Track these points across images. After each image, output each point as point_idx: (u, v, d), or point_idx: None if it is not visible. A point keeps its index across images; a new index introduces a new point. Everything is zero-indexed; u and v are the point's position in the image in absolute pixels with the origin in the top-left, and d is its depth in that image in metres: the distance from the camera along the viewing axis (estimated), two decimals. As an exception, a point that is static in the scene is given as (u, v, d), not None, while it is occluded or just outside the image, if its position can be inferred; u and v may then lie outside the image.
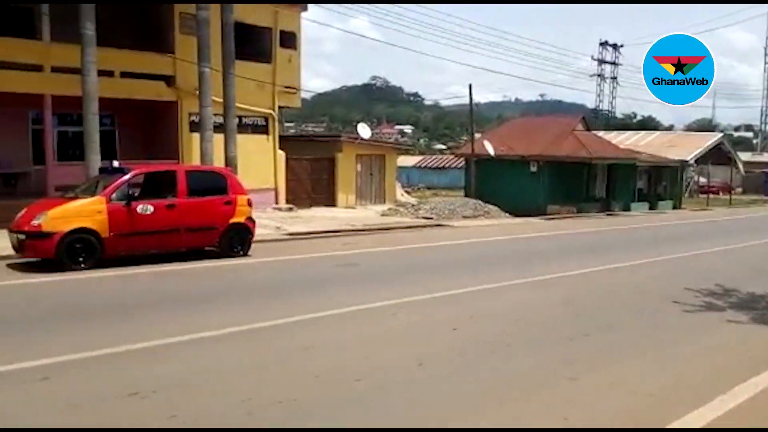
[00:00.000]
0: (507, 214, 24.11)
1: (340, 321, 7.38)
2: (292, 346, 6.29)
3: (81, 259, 10.17)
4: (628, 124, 70.62)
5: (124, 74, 17.38)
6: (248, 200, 12.38)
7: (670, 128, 70.01)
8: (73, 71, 14.71)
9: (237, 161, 16.86)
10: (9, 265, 10.35)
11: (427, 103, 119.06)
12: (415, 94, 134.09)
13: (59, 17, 15.63)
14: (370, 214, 22.01)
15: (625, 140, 39.08)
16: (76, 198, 10.91)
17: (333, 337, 6.70)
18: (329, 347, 6.31)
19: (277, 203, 20.86)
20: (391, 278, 10.50)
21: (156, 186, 11.72)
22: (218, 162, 16.48)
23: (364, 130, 25.36)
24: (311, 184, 23.10)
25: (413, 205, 24.07)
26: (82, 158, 14.73)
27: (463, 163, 33.72)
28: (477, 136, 30.61)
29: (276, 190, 21.10)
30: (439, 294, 8.83)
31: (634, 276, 11.24)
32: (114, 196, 10.66)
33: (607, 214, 27.90)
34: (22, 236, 10.14)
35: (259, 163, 19.85)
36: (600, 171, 29.94)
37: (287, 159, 21.66)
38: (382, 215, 21.83)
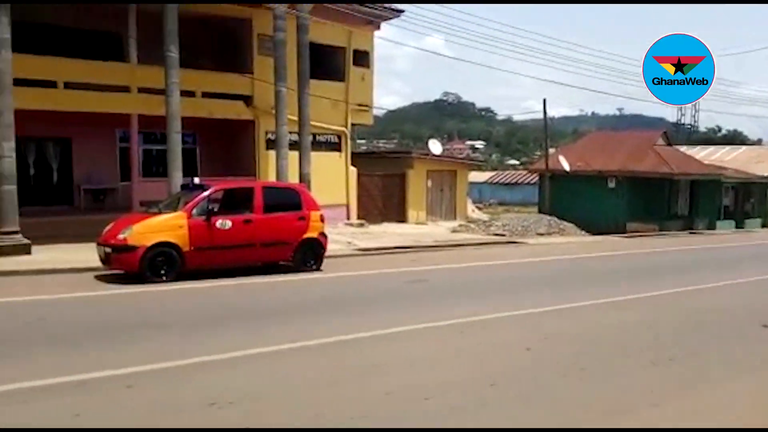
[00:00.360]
0: (583, 232, 23.47)
1: (409, 338, 7.35)
2: (362, 361, 6.31)
3: (163, 271, 10.58)
4: (711, 138, 67.51)
5: (206, 94, 18.11)
6: (321, 216, 12.59)
7: (758, 142, 66.33)
8: (157, 92, 15.46)
9: (310, 178, 17.19)
10: (96, 277, 10.89)
11: (499, 117, 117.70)
12: (487, 109, 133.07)
13: (146, 41, 16.50)
14: (440, 230, 21.91)
15: (709, 155, 37.28)
16: (159, 213, 11.40)
17: (403, 354, 6.67)
18: (399, 364, 6.28)
19: (348, 219, 21.10)
20: (462, 295, 10.39)
21: (234, 202, 12.08)
22: (293, 178, 16.87)
23: (434, 146, 25.36)
24: (382, 200, 23.24)
25: (485, 222, 23.81)
26: (165, 175, 15.41)
27: (537, 178, 33.13)
28: (551, 151, 30.07)
29: (348, 205, 21.35)
30: (511, 313, 8.66)
31: (720, 298, 10.66)
32: (195, 211, 11.07)
33: (691, 233, 26.70)
34: (108, 249, 10.66)
35: (331, 180, 20.16)
36: (683, 187, 28.73)
37: (359, 175, 21.91)
38: (453, 231, 21.68)
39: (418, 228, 22.20)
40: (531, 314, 8.70)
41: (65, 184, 18.33)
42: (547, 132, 29.09)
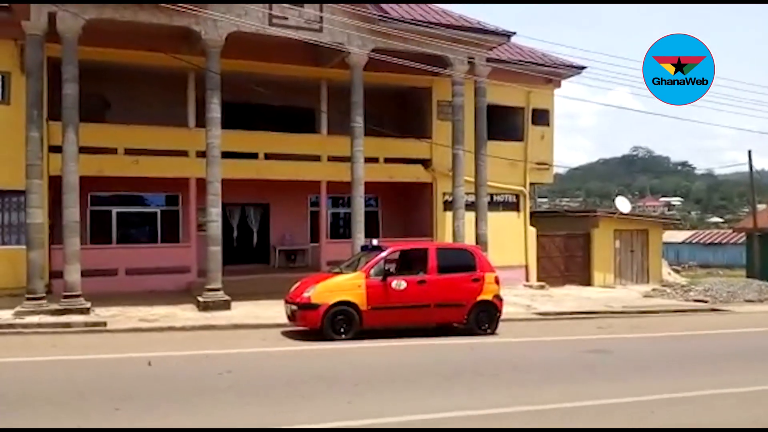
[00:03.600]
0: (804, 300, 20.35)
1: (579, 415, 6.71)
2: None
3: (342, 329, 11.01)
4: None
5: (387, 159, 19.01)
6: (496, 278, 12.35)
7: None
8: (344, 159, 16.52)
9: (487, 238, 17.02)
10: (283, 333, 11.62)
11: (698, 172, 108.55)
12: (684, 163, 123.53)
13: (334, 113, 17.89)
14: (630, 294, 20.33)
15: None
16: (340, 273, 11.96)
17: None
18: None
19: (527, 281, 20.46)
20: (651, 370, 9.41)
21: (409, 262, 12.33)
22: (469, 239, 16.83)
23: (622, 204, 23.88)
24: (564, 261, 22.24)
25: (682, 286, 21.66)
26: (350, 236, 16.24)
27: (744, 238, 29.68)
28: (761, 207, 26.90)
29: (526, 267, 20.74)
30: (714, 391, 7.65)
31: None
32: (372, 272, 11.44)
33: None
34: (294, 307, 11.35)
35: (509, 240, 19.80)
36: None
37: (538, 235, 21.27)
38: (645, 296, 20.00)
39: (605, 292, 20.81)
40: (738, 394, 7.61)
41: (263, 245, 20.09)
42: (754, 186, 26.13)
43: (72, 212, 13.17)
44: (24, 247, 13.90)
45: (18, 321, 11.90)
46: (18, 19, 13.50)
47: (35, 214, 13.19)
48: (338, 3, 15.11)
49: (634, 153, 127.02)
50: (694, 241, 48.81)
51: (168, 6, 13.26)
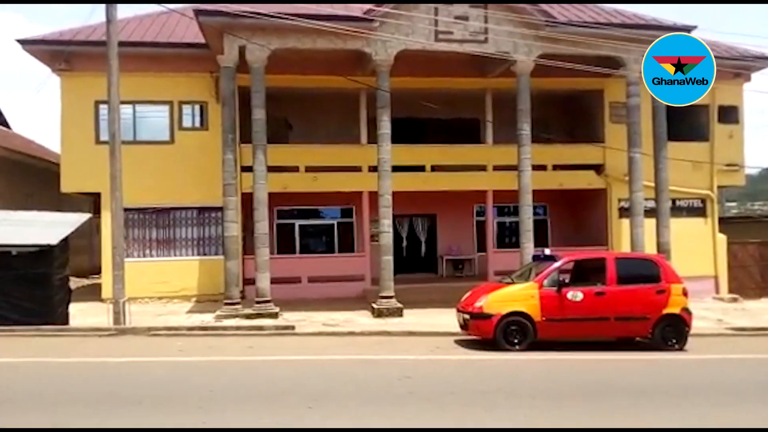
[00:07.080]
0: None
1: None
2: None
3: (516, 340, 10.88)
4: None
5: (556, 167, 18.54)
6: (683, 289, 11.50)
7: None
8: (510, 168, 16.36)
9: (670, 247, 15.89)
10: (456, 341, 11.74)
11: None
12: None
13: (499, 122, 17.83)
14: None
15: None
16: (512, 283, 11.82)
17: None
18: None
19: (717, 293, 18.75)
20: None
21: (585, 273, 11.90)
22: (649, 248, 15.84)
23: (832, 208, 21.09)
24: (760, 271, 20.07)
25: None
26: (517, 245, 16.02)
27: None
28: None
29: (716, 278, 19.02)
30: None
31: None
32: (545, 282, 11.18)
33: None
34: (466, 316, 11.42)
35: (695, 249, 18.27)
36: None
37: (729, 243, 19.44)
38: None
39: (813, 306, 18.44)
40: None
41: (431, 254, 20.46)
42: None
43: (262, 225, 14.44)
44: (221, 257, 15.49)
45: (218, 324, 13.28)
46: (213, 54, 15.14)
47: (231, 227, 14.63)
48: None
49: None
50: None
51: (343, 31, 14.09)
